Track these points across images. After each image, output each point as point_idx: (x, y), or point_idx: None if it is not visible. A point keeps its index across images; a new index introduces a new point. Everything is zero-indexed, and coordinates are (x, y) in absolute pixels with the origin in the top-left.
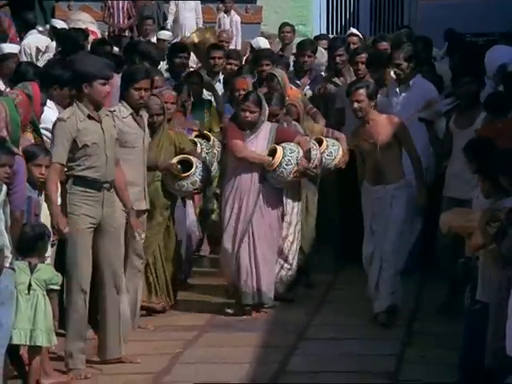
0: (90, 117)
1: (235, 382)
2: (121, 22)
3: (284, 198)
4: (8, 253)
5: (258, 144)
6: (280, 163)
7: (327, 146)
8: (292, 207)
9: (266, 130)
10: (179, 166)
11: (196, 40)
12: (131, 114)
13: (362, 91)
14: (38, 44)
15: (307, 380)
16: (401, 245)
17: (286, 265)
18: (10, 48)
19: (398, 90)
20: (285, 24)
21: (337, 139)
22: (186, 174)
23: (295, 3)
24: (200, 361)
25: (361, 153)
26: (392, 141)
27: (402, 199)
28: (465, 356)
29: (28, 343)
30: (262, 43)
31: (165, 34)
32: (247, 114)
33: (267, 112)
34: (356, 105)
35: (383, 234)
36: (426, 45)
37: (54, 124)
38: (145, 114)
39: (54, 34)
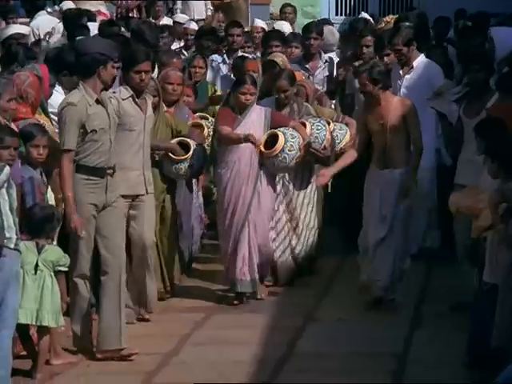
0: (97, 101)
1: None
2: (129, 2)
3: (292, 183)
4: (13, 234)
5: (254, 130)
6: (282, 149)
7: (333, 129)
8: (298, 194)
9: (259, 113)
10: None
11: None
12: (131, 96)
13: (365, 75)
14: (45, 25)
15: (314, 361)
16: (409, 232)
17: (288, 250)
18: (18, 29)
19: (401, 72)
20: (286, 5)
21: (346, 124)
22: (183, 156)
23: None
24: (208, 342)
25: (361, 133)
26: (401, 124)
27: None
28: (473, 337)
29: (34, 323)
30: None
31: (183, 17)
32: (248, 96)
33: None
34: (361, 88)
35: (392, 221)
36: (445, 24)
37: (63, 108)
38: (149, 97)
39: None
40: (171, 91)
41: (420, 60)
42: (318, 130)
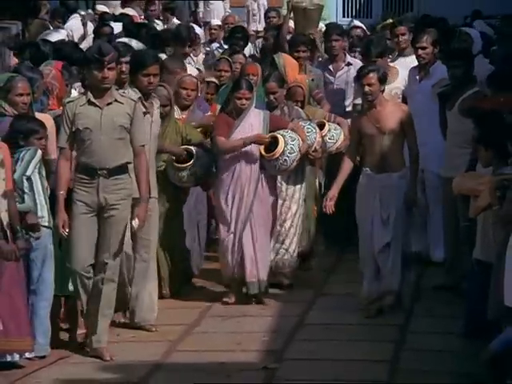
0: (90, 102)
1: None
2: (157, 6)
3: (284, 184)
4: (45, 212)
5: (253, 133)
6: (283, 152)
7: (329, 129)
8: (293, 192)
9: (257, 117)
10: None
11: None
12: (139, 98)
13: (373, 75)
14: (80, 28)
15: (323, 331)
16: (405, 233)
17: (281, 249)
18: (62, 35)
19: (417, 77)
20: (270, 9)
21: (338, 124)
22: (185, 164)
23: None
24: (226, 314)
25: (356, 137)
26: (398, 127)
27: (403, 190)
28: (470, 311)
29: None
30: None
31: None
32: (243, 101)
33: (255, 98)
34: (367, 88)
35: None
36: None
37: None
38: (156, 101)
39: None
40: (185, 96)
41: (436, 66)
42: (308, 132)
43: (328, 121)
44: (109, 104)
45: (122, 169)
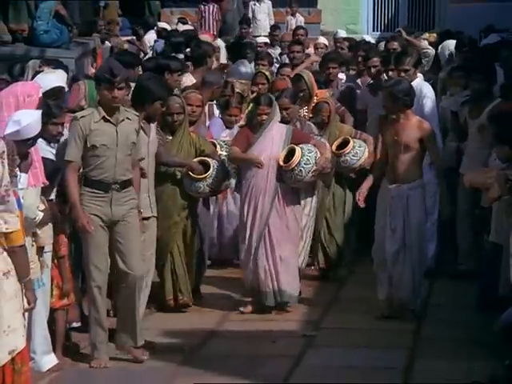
0: (105, 119)
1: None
2: (211, 24)
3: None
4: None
5: (274, 146)
6: (299, 162)
7: (353, 146)
8: (303, 206)
9: (281, 131)
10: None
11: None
12: (138, 116)
13: (390, 89)
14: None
15: (356, 304)
16: (424, 244)
17: None
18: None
19: None
20: (299, 27)
21: (364, 141)
22: (202, 175)
23: (347, 7)
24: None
25: (384, 149)
26: (415, 144)
27: (417, 201)
28: (482, 287)
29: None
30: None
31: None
32: (263, 117)
33: (277, 111)
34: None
35: (404, 235)
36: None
37: (71, 121)
38: (153, 124)
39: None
40: (190, 112)
41: (416, 82)
42: None
43: (354, 137)
44: (122, 121)
45: (129, 182)
